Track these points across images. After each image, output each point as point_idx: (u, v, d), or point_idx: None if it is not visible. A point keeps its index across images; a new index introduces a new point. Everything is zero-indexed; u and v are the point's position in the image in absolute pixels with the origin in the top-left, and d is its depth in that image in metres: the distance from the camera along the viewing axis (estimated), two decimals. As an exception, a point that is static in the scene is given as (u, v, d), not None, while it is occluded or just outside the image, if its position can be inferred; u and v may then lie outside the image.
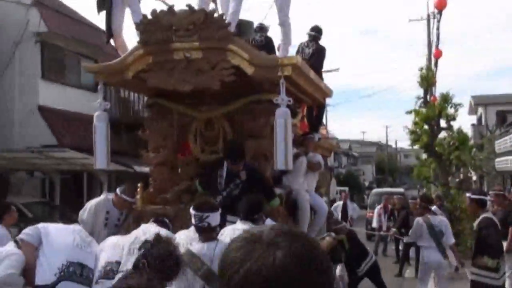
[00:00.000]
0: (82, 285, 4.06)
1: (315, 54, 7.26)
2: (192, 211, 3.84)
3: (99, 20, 5.89)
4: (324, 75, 7.85)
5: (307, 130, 7.23)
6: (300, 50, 7.43)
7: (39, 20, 14.43)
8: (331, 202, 15.94)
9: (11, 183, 13.90)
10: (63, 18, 15.91)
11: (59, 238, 4.20)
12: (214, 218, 3.82)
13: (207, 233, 3.81)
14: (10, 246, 4.44)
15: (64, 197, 14.51)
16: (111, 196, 5.60)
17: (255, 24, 6.94)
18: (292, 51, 6.69)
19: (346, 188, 22.91)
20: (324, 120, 29.26)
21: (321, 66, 7.38)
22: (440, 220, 7.53)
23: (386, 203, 14.23)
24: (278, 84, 4.90)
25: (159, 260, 2.45)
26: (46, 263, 4.02)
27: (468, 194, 6.24)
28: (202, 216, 3.77)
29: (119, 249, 4.15)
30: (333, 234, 7.29)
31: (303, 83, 5.73)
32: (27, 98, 14.57)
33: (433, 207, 9.39)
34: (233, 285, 1.06)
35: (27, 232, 4.27)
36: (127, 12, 5.69)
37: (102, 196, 5.68)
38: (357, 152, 55.61)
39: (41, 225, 4.39)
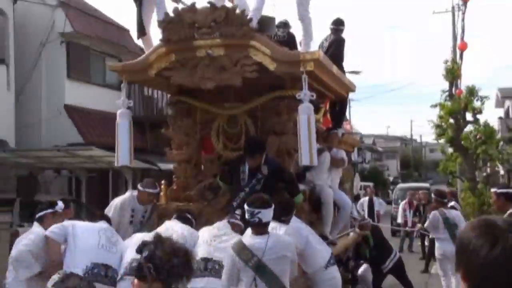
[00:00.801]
0: (107, 285, 4.12)
1: (332, 45, 7.22)
2: (245, 206, 3.99)
3: (123, 19, 5.91)
4: (347, 75, 7.79)
5: (330, 125, 7.19)
6: (321, 45, 7.39)
7: (64, 21, 14.64)
8: (355, 198, 15.86)
9: (39, 182, 14.16)
10: (88, 18, 16.11)
11: (84, 239, 4.28)
12: (266, 214, 3.92)
13: (258, 228, 3.93)
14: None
15: (90, 195, 14.73)
16: (135, 193, 5.67)
17: (278, 20, 6.93)
18: (315, 46, 6.65)
19: (371, 184, 22.78)
20: (347, 115, 29.01)
21: (340, 57, 7.30)
22: (455, 214, 7.73)
23: (411, 198, 14.08)
24: (301, 79, 4.89)
25: (165, 260, 2.26)
26: (72, 264, 4.09)
27: (493, 189, 6.13)
28: (253, 212, 3.90)
29: None
30: (357, 230, 7.26)
31: (326, 78, 5.71)
32: (54, 97, 14.81)
33: (452, 203, 9.62)
34: (485, 263, 1.23)
35: (54, 230, 4.36)
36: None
37: (127, 194, 5.77)
38: (381, 147, 55.08)
39: (68, 223, 4.47)
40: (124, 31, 17.47)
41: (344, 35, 7.54)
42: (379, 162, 51.09)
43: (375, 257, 7.48)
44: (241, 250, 3.88)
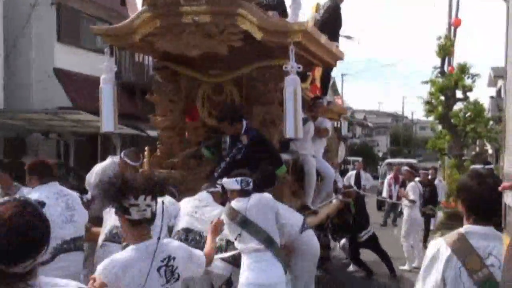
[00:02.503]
0: (77, 251, 4.16)
1: (328, 11, 7.20)
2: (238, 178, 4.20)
3: None
4: (343, 43, 7.77)
5: (318, 92, 7.18)
6: (319, 11, 7.37)
7: (55, -18, 14.40)
8: (342, 172, 15.97)
9: (26, 144, 14.12)
10: (79, -20, 15.83)
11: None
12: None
13: (242, 193, 4.20)
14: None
15: (78, 159, 14.73)
16: (117, 160, 5.66)
17: None
18: (307, 10, 6.64)
19: (360, 159, 22.89)
20: (340, 90, 28.85)
21: (334, 24, 7.28)
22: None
23: (396, 173, 14.20)
24: (288, 49, 4.85)
25: None
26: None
27: (472, 166, 6.27)
28: (248, 181, 4.19)
29: None
30: (340, 196, 7.36)
31: (314, 48, 5.66)
32: (43, 60, 14.66)
33: (436, 180, 10.75)
34: (475, 195, 2.35)
35: None
36: None
37: (108, 160, 5.75)
38: (372, 122, 55.20)
39: None
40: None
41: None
42: (370, 137, 51.26)
43: (354, 225, 7.65)
44: (228, 211, 4.15)
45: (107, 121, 5.31)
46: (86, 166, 12.64)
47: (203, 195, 4.63)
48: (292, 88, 4.80)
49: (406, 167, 11.24)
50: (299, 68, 4.92)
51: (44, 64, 14.63)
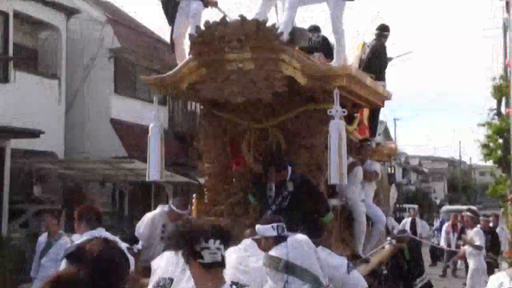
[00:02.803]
0: None
1: (373, 51, 7.19)
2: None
3: (168, 35, 6.05)
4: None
5: (366, 133, 7.08)
6: (364, 50, 7.37)
7: (112, 36, 15.12)
8: (397, 220, 15.48)
9: (84, 193, 14.55)
10: (135, 34, 16.58)
11: None
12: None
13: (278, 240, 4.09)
14: None
15: (132, 207, 15.01)
16: (166, 209, 5.69)
17: (309, 25, 6.91)
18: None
19: (416, 206, 22.25)
20: (393, 134, 28.38)
21: (380, 64, 7.23)
22: None
23: (454, 220, 13.64)
24: (333, 92, 4.83)
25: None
26: None
27: None
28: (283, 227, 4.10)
29: (172, 266, 4.26)
30: (393, 241, 7.09)
31: (359, 90, 5.63)
32: (101, 111, 15.27)
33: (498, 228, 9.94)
34: None
35: None
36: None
37: (158, 210, 5.78)
38: (428, 168, 53.69)
39: None
40: (170, 47, 17.84)
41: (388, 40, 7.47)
42: (425, 184, 49.79)
43: (408, 272, 7.33)
44: (269, 262, 4.01)
45: (154, 169, 5.39)
46: (140, 215, 12.85)
47: (247, 243, 4.55)
48: (337, 133, 4.75)
49: (468, 212, 10.78)
50: (343, 112, 4.89)
51: (101, 116, 15.23)
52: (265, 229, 4.10)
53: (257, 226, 4.20)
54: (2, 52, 12.65)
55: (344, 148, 4.82)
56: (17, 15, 13.06)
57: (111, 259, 1.81)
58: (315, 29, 6.86)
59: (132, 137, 15.31)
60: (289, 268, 3.94)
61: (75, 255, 1.81)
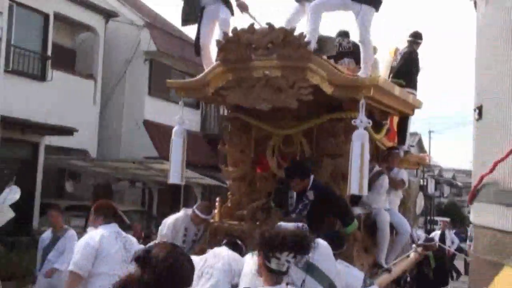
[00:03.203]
0: None
1: (404, 58, 7.16)
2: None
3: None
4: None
5: (395, 139, 7.03)
6: (396, 56, 7.35)
7: (149, 40, 15.41)
8: (426, 227, 15.23)
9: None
10: (171, 38, 16.83)
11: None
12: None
13: None
14: None
15: (161, 207, 15.23)
16: (189, 212, 5.76)
17: (339, 30, 6.91)
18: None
19: (447, 219, 21.83)
20: (427, 147, 27.87)
21: (411, 70, 7.18)
22: None
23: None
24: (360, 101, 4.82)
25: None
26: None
27: None
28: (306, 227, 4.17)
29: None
30: (419, 249, 6.99)
31: (387, 100, 5.61)
32: (134, 112, 15.57)
33: None
34: None
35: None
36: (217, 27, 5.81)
37: (181, 213, 5.84)
38: (462, 182, 52.58)
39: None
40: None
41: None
42: (458, 197, 48.78)
43: (432, 280, 7.23)
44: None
45: (175, 173, 5.46)
46: (168, 215, 13.08)
47: None
48: (359, 143, 4.72)
49: None
50: (369, 123, 4.86)
51: (134, 116, 15.52)
52: (289, 228, 4.17)
53: (281, 223, 4.28)
54: (41, 52, 13.05)
55: (367, 159, 4.79)
56: (57, 16, 13.45)
57: (176, 263, 1.83)
58: (345, 34, 6.83)
59: (164, 138, 15.51)
60: (309, 267, 3.97)
61: (142, 258, 1.83)
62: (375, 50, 7.12)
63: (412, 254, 6.91)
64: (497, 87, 4.84)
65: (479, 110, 3.70)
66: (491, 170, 4.39)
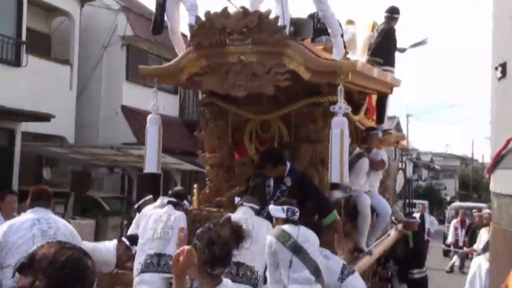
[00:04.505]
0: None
1: (382, 35, 7.03)
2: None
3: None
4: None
5: (374, 117, 6.98)
6: (375, 31, 7.25)
7: (125, 24, 15.15)
8: (407, 215, 15.36)
9: (92, 178, 14.69)
10: (148, 22, 16.51)
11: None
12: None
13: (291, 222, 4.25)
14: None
15: (140, 193, 15.10)
16: (166, 200, 5.67)
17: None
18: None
19: (426, 202, 22.18)
20: (405, 130, 28.05)
21: (389, 48, 7.08)
22: None
23: (463, 217, 13.57)
24: (338, 85, 4.72)
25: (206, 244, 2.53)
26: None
27: None
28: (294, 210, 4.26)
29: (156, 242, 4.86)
30: (399, 226, 7.00)
31: (366, 83, 5.54)
32: (112, 98, 15.36)
33: None
34: None
35: None
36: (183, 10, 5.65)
37: (158, 201, 5.78)
38: (439, 165, 53.13)
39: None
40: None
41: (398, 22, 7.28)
42: (436, 180, 49.32)
43: (407, 260, 7.21)
44: (279, 233, 4.11)
45: (151, 162, 5.36)
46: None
47: (243, 210, 4.63)
48: (339, 130, 4.64)
49: (487, 210, 10.62)
50: (347, 109, 4.81)
51: (112, 102, 15.31)
52: (275, 210, 4.25)
53: (270, 206, 4.36)
54: (15, 37, 12.75)
55: (346, 146, 4.72)
56: (31, 0, 13.13)
57: (68, 260, 1.62)
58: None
59: (142, 124, 15.27)
60: (296, 248, 4.04)
61: (26, 266, 1.63)
62: (352, 23, 7.03)
63: (393, 232, 6.91)
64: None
65: (503, 67, 3.52)
66: None
